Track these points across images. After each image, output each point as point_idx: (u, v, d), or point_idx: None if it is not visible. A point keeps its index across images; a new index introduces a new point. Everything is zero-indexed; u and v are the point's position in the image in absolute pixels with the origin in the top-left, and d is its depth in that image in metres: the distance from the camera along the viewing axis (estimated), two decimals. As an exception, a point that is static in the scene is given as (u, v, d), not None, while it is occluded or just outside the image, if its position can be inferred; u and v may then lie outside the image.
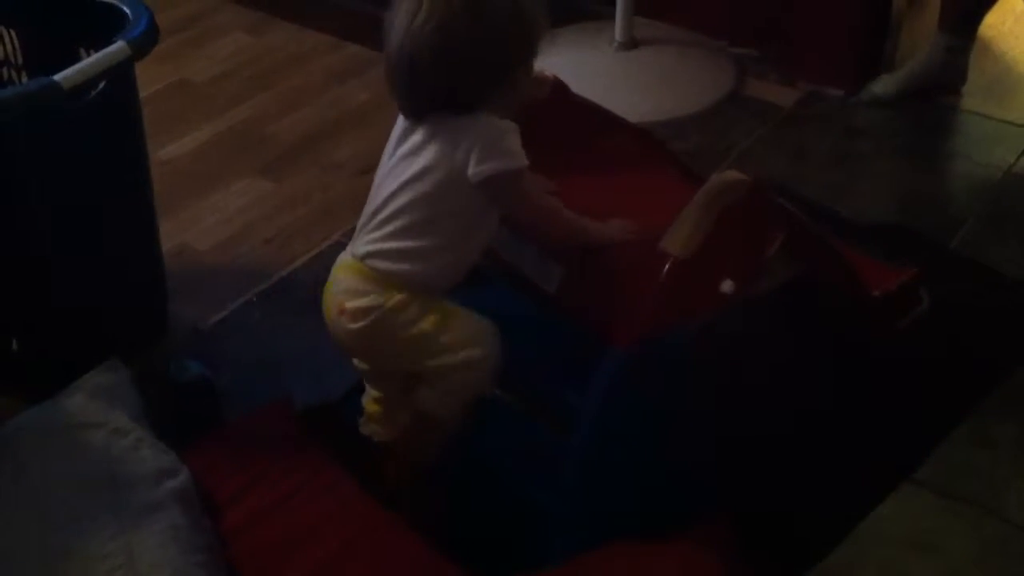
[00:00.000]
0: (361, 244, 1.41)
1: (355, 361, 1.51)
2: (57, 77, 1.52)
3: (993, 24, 2.63)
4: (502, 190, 1.34)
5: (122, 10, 1.71)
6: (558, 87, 1.60)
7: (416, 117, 1.38)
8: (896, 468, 1.60)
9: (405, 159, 1.37)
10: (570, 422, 1.40)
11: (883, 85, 2.47)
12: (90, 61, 1.58)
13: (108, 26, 1.67)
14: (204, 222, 2.16)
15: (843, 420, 1.63)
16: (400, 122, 1.41)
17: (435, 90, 1.33)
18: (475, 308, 1.44)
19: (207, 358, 1.78)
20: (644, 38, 2.59)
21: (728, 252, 1.37)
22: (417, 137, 1.37)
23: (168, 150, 2.36)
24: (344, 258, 1.44)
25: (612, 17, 2.57)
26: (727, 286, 1.37)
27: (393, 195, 1.37)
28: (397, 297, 1.37)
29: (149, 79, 2.50)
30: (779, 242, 1.43)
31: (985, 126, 2.39)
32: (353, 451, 1.60)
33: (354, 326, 1.40)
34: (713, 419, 1.46)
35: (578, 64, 2.50)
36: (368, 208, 1.42)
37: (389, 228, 1.38)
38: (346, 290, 1.40)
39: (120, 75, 1.63)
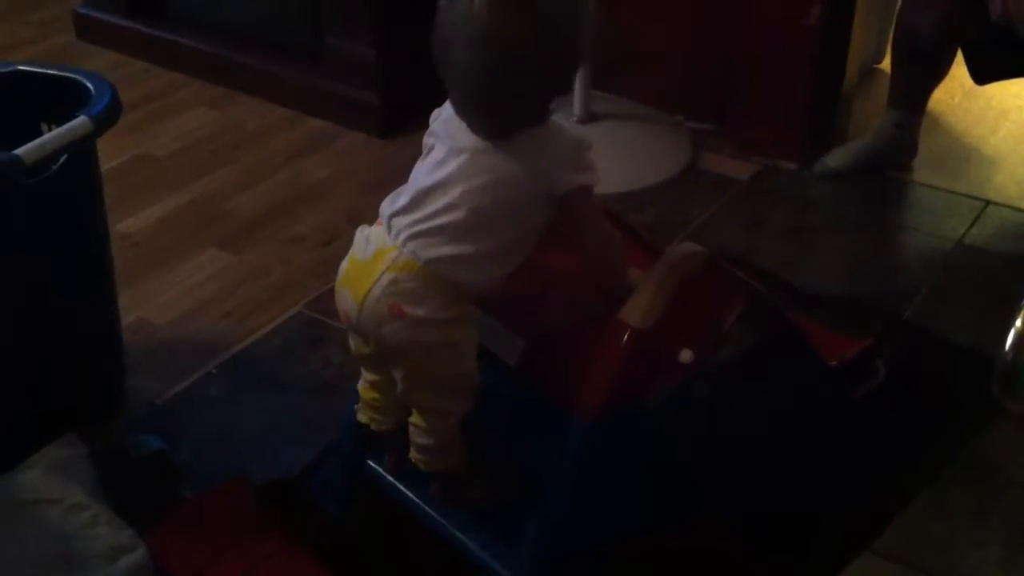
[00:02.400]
0: (419, 247, 1.33)
1: (354, 341, 1.45)
2: (19, 151, 1.52)
3: (942, 99, 2.70)
4: (585, 202, 1.35)
5: (85, 85, 1.72)
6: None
7: (496, 137, 1.32)
8: (855, 538, 1.60)
9: (468, 160, 1.33)
10: (532, 492, 1.40)
11: (835, 158, 2.52)
12: (52, 136, 1.58)
13: (71, 101, 1.68)
14: (163, 296, 2.15)
15: (801, 488, 1.64)
16: (452, 120, 1.36)
17: (514, 108, 1.31)
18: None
19: (165, 433, 1.76)
20: (602, 112, 2.63)
21: (686, 323, 1.39)
22: (480, 142, 1.33)
23: (128, 223, 2.36)
24: (399, 255, 1.34)
25: (570, 91, 2.61)
26: (686, 356, 1.39)
27: (452, 197, 1.32)
28: (455, 309, 1.35)
29: (110, 153, 2.50)
30: (736, 313, 1.45)
31: (935, 198, 2.45)
32: (311, 527, 1.59)
33: (404, 333, 1.34)
34: (674, 488, 1.46)
35: (537, 138, 2.54)
36: (407, 203, 1.36)
37: (446, 234, 1.32)
38: (404, 292, 1.33)
39: (82, 150, 1.64)
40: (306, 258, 2.25)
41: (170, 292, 2.17)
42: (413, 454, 1.47)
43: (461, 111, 1.34)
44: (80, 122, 1.61)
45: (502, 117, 1.32)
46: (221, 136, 2.73)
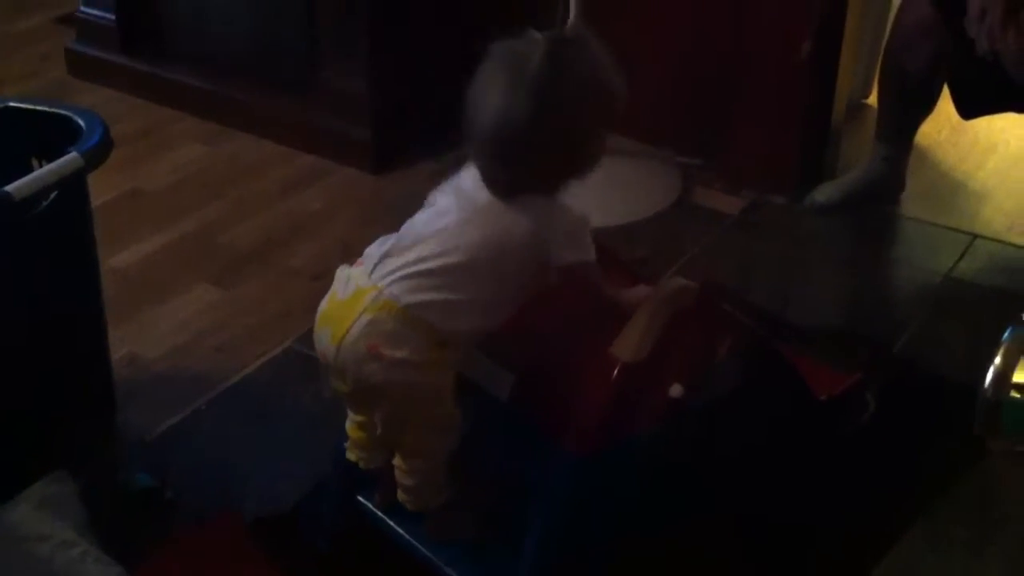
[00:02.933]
0: (403, 290, 1.34)
1: (333, 380, 1.43)
2: (9, 188, 1.53)
3: (929, 133, 2.72)
4: (582, 277, 1.40)
5: (76, 121, 1.72)
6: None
7: (507, 196, 1.37)
8: (850, 572, 1.60)
9: (473, 211, 1.37)
10: (520, 528, 1.40)
11: (825, 193, 2.53)
12: (42, 172, 1.59)
13: (62, 137, 1.68)
14: (155, 330, 2.15)
15: (794, 523, 1.64)
16: (464, 179, 1.41)
17: (528, 170, 1.35)
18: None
19: (155, 468, 1.76)
20: (592, 148, 2.64)
21: (677, 357, 1.40)
22: (483, 198, 1.37)
23: (120, 258, 2.36)
24: (379, 295, 1.35)
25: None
26: (676, 391, 1.39)
27: (448, 244, 1.35)
28: (435, 353, 1.35)
29: (103, 187, 2.51)
30: (727, 347, 1.46)
31: (924, 232, 2.46)
32: (303, 562, 1.58)
33: (383, 373, 1.34)
34: (663, 523, 1.46)
35: (528, 173, 2.55)
36: (400, 246, 1.38)
37: (434, 279, 1.34)
38: (383, 333, 1.33)
39: (72, 186, 1.64)
40: (298, 292, 2.25)
41: (161, 326, 2.16)
42: (400, 495, 1.48)
43: (483, 160, 1.37)
44: (71, 158, 1.61)
45: (522, 173, 1.35)
46: (213, 171, 2.73)
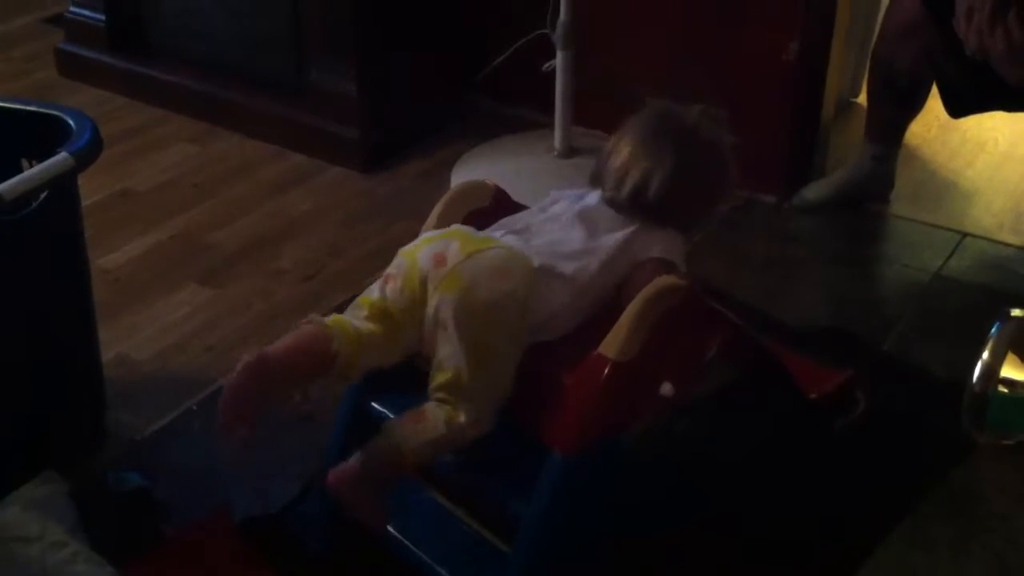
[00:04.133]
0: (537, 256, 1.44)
1: (408, 293, 1.42)
2: (-1, 188, 1.53)
3: (918, 132, 2.73)
4: (657, 270, 1.47)
5: (66, 121, 1.72)
6: (499, 195, 1.63)
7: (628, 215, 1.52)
8: (833, 571, 1.61)
9: (594, 223, 1.51)
10: (512, 530, 1.40)
11: (813, 191, 2.54)
12: (33, 172, 1.58)
13: (51, 137, 1.68)
14: (144, 331, 2.15)
15: (779, 522, 1.64)
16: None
17: (661, 206, 1.51)
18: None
19: (145, 468, 1.75)
20: (581, 147, 2.65)
21: (667, 356, 1.40)
22: (609, 216, 1.52)
23: (109, 258, 2.36)
24: (504, 242, 1.44)
25: (551, 126, 2.63)
26: (666, 389, 1.39)
27: (569, 237, 1.48)
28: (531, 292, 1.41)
29: (92, 188, 2.51)
30: (717, 345, 1.46)
31: (913, 230, 2.47)
32: (293, 563, 1.58)
33: (493, 294, 1.38)
34: (653, 522, 1.46)
35: (518, 171, 2.55)
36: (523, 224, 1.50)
37: (564, 260, 1.45)
38: (493, 268, 1.40)
39: (62, 186, 1.64)
40: (288, 292, 2.25)
41: (151, 327, 2.16)
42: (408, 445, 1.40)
43: (621, 201, 1.52)
44: (61, 158, 1.61)
45: (664, 211, 1.51)
46: (203, 171, 2.73)
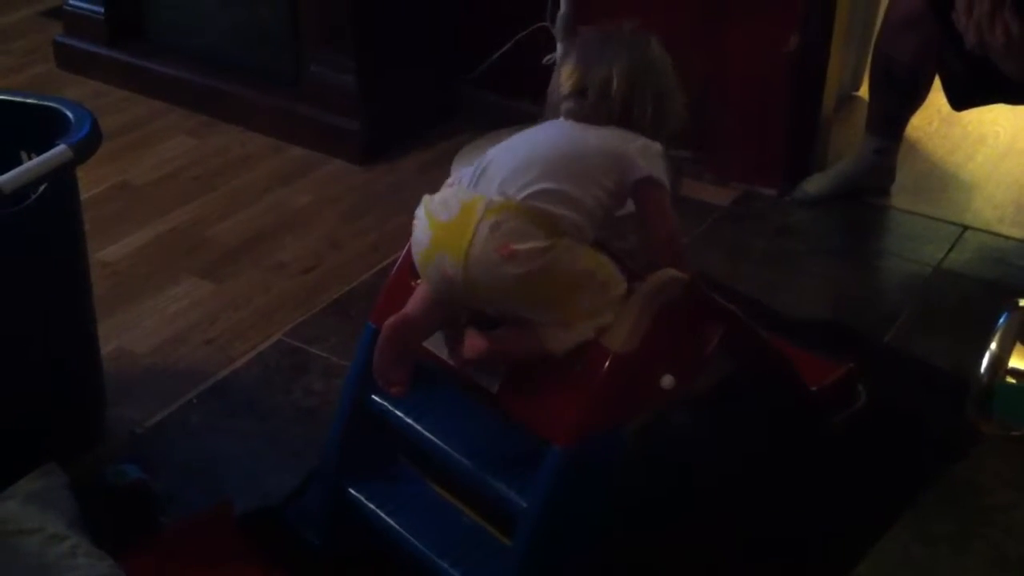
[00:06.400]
0: (514, 189, 1.40)
1: (463, 302, 1.42)
2: (-2, 180, 1.52)
3: (919, 125, 2.73)
4: (653, 191, 1.53)
5: (64, 114, 1.71)
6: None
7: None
8: (836, 564, 1.60)
9: (568, 129, 1.52)
10: (512, 522, 1.40)
11: (814, 184, 2.54)
12: (31, 164, 1.58)
13: (50, 130, 1.67)
14: (143, 324, 2.15)
15: (781, 514, 1.64)
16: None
17: (626, 107, 1.53)
18: (422, 409, 1.44)
19: (145, 461, 1.75)
20: (582, 140, 2.64)
21: (667, 348, 1.39)
22: (578, 129, 1.52)
23: (108, 251, 2.35)
24: (491, 201, 1.38)
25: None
26: (667, 382, 1.39)
27: (555, 150, 1.47)
28: (566, 240, 1.38)
29: (91, 181, 2.50)
30: (718, 338, 1.46)
31: (914, 224, 2.46)
32: (293, 556, 1.58)
33: (519, 270, 1.35)
34: (653, 514, 1.46)
35: (518, 165, 2.55)
36: (496, 162, 1.46)
37: (548, 180, 1.41)
38: (511, 231, 1.35)
39: (61, 178, 1.64)
40: (287, 285, 2.25)
41: (150, 320, 2.16)
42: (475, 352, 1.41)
43: (587, 109, 1.52)
44: (60, 151, 1.60)
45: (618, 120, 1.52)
46: (202, 164, 2.73)
